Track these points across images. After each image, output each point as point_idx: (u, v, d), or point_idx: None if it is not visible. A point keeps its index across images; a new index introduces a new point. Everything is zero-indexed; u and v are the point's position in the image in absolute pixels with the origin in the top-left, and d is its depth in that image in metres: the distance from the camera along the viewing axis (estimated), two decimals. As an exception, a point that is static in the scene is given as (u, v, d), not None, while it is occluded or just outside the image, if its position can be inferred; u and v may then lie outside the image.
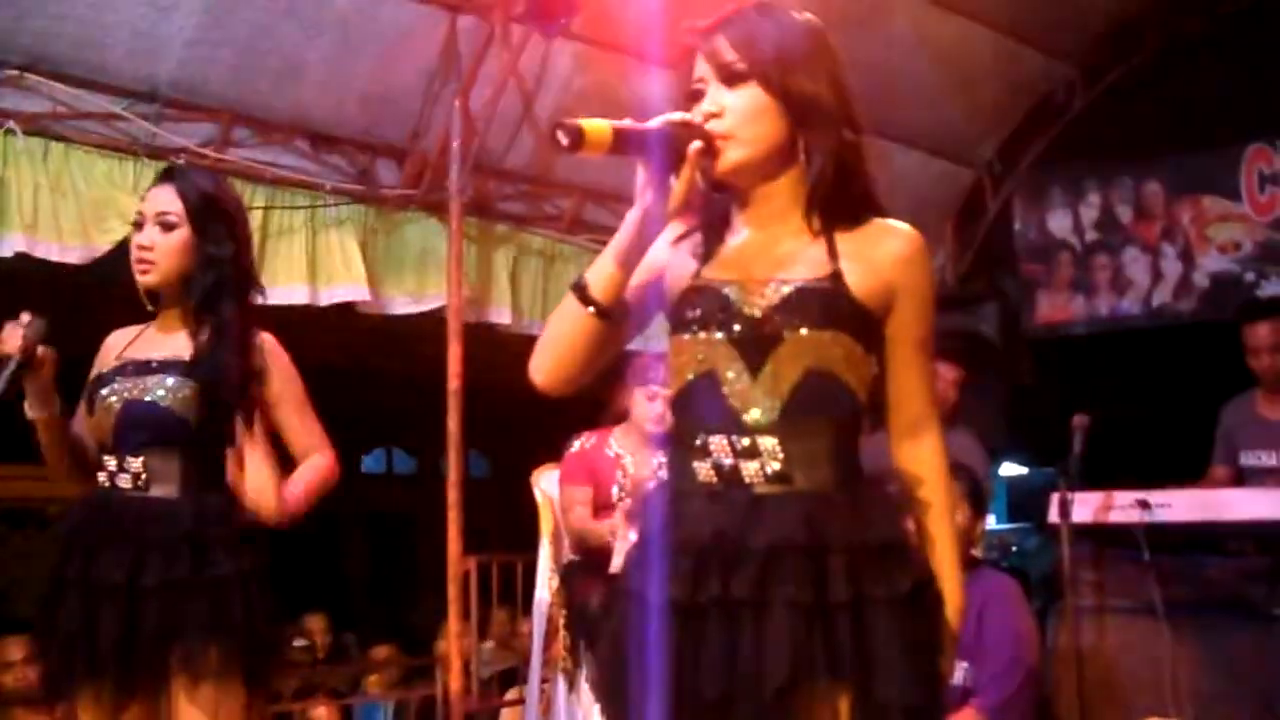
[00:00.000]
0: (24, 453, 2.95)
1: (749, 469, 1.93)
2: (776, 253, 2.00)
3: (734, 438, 1.93)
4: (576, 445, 4.77)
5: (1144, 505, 4.37)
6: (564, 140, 1.83)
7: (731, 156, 1.96)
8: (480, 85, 5.62)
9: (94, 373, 2.99)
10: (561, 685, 4.75)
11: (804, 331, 1.93)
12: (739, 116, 1.95)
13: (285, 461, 3.02)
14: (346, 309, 5.68)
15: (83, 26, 4.78)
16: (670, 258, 2.07)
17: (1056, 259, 7.76)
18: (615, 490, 4.66)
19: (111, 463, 2.85)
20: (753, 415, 1.93)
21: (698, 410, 1.98)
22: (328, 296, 5.52)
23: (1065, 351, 7.60)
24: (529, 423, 4.43)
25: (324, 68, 5.39)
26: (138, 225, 2.93)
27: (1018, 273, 7.88)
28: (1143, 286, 7.49)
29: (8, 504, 8.62)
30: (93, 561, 2.77)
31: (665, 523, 1.98)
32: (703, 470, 1.96)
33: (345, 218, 5.60)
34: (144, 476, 2.83)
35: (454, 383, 5.37)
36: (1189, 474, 4.99)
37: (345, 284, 5.57)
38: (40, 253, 4.72)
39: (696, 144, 1.91)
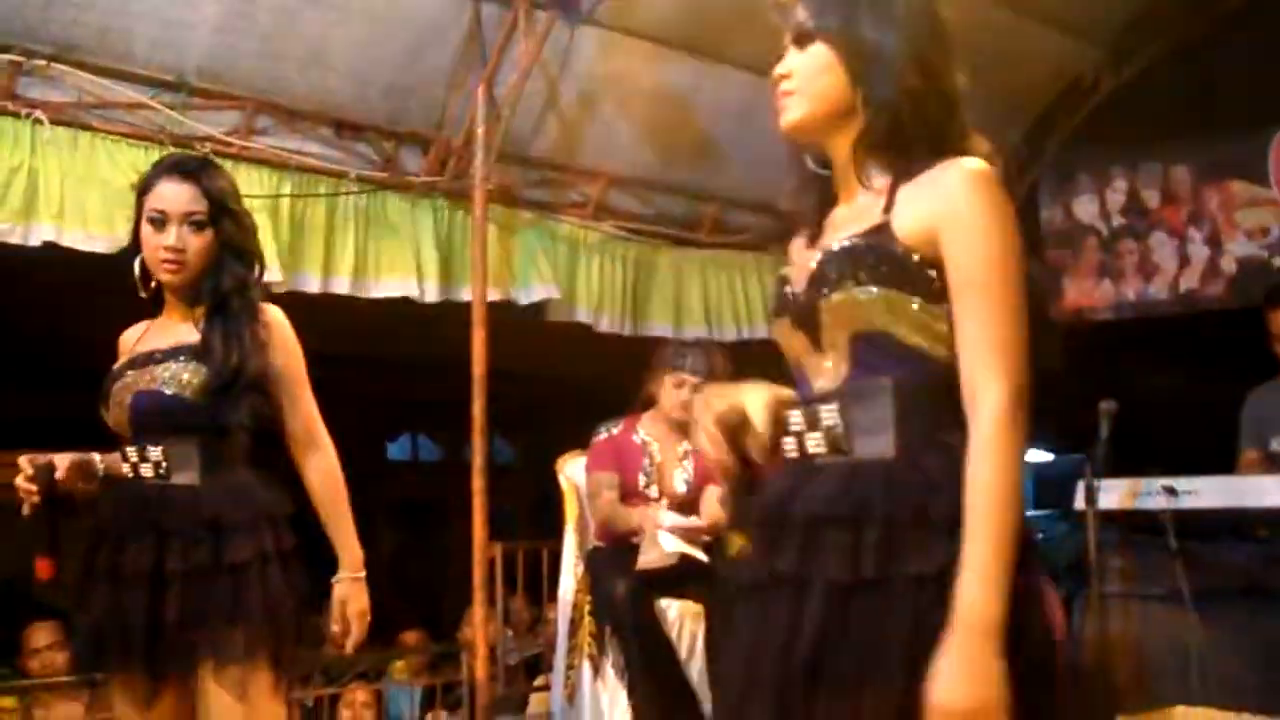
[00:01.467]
0: (44, 442, 2.95)
1: (812, 439, 1.92)
2: (842, 221, 1.98)
3: (806, 409, 1.93)
4: (603, 432, 4.78)
5: (1171, 492, 4.36)
6: None
7: (793, 113, 1.97)
8: (504, 72, 5.61)
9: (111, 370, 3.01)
10: (587, 671, 4.76)
11: (838, 296, 1.88)
12: (803, 73, 1.96)
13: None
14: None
15: (108, 16, 4.79)
16: (794, 256, 2.07)
17: (1083, 244, 7.71)
18: (641, 477, 4.66)
19: (133, 454, 2.88)
20: (819, 385, 1.94)
21: (796, 390, 2.00)
22: (350, 285, 5.51)
23: (1092, 337, 7.55)
24: (555, 409, 4.42)
25: (349, 55, 5.39)
26: (155, 222, 2.90)
27: (1044, 258, 7.83)
28: (1170, 272, 7.44)
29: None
30: (121, 551, 2.80)
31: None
32: (788, 445, 1.97)
33: (369, 205, 5.61)
34: (165, 465, 2.85)
35: (478, 369, 5.36)
36: (1217, 460, 4.96)
37: (369, 272, 5.58)
38: (67, 242, 4.73)
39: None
